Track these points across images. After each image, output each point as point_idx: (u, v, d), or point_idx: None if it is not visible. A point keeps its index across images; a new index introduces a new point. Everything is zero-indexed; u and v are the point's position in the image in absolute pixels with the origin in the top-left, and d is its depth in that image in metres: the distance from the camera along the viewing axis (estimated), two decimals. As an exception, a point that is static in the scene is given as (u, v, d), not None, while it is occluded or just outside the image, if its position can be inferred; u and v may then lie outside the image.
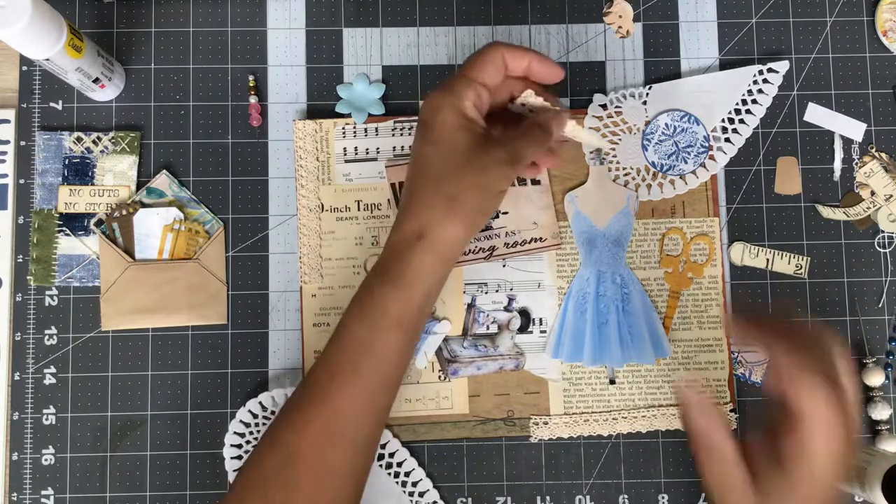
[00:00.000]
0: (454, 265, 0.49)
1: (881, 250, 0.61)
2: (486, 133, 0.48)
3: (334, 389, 0.46)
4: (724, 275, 0.61)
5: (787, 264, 0.61)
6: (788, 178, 0.62)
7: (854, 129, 0.62)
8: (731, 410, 0.59)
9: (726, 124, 0.62)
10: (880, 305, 0.61)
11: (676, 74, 0.63)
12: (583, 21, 0.63)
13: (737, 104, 0.62)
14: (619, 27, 0.63)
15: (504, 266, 0.60)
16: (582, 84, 0.62)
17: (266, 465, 0.46)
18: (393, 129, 0.61)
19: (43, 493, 0.58)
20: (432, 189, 0.46)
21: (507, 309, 0.60)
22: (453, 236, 0.46)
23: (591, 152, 0.61)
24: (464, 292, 0.60)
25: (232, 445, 0.58)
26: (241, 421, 0.58)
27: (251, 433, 0.58)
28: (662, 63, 0.63)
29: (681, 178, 0.61)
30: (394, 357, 0.47)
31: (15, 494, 0.57)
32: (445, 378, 0.59)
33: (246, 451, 0.58)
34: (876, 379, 0.59)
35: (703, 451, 0.44)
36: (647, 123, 0.61)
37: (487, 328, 0.60)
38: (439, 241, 0.46)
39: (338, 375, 0.47)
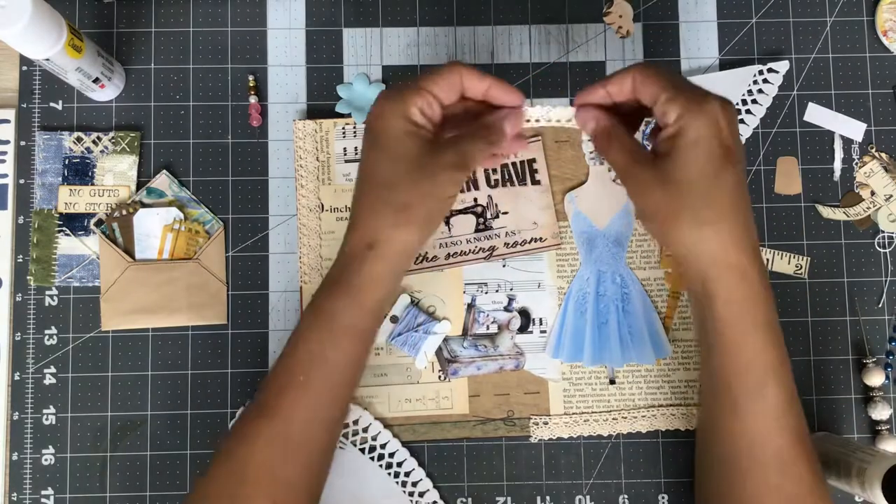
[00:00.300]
0: (406, 270, 0.49)
1: (881, 250, 0.61)
2: (435, 138, 0.47)
3: (284, 401, 0.46)
4: (724, 275, 0.60)
5: (787, 264, 0.61)
6: (788, 178, 0.62)
7: (854, 129, 0.62)
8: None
9: (726, 124, 0.61)
10: (880, 305, 0.61)
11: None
12: (583, 21, 0.63)
13: (737, 104, 0.62)
14: (620, 27, 0.63)
15: (504, 266, 0.60)
16: (582, 84, 0.62)
17: (218, 479, 0.46)
18: (393, 129, 0.61)
19: (43, 493, 0.58)
20: (382, 197, 0.46)
21: (507, 309, 0.60)
22: (405, 244, 0.46)
23: (591, 151, 0.61)
24: (464, 292, 0.60)
25: (232, 445, 0.58)
26: (241, 421, 0.58)
27: (251, 433, 0.58)
28: (662, 63, 0.63)
29: (681, 178, 0.61)
30: (346, 367, 0.47)
31: (15, 494, 0.57)
32: (445, 378, 0.59)
33: (246, 451, 0.58)
34: (876, 379, 0.59)
35: (604, 138, 0.46)
36: (647, 123, 0.61)
37: (487, 328, 0.60)
38: (390, 249, 0.46)
39: (288, 387, 0.46)
